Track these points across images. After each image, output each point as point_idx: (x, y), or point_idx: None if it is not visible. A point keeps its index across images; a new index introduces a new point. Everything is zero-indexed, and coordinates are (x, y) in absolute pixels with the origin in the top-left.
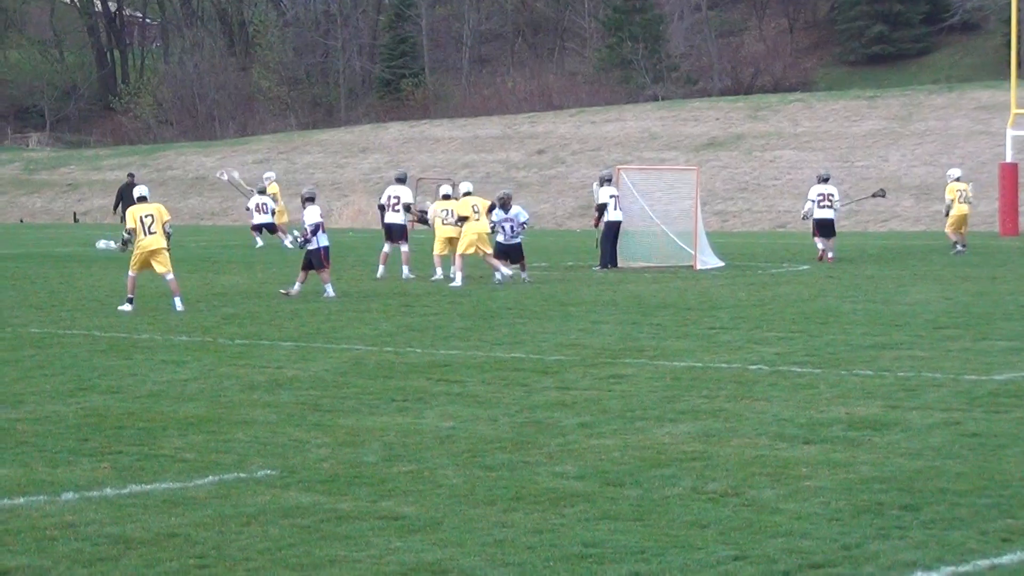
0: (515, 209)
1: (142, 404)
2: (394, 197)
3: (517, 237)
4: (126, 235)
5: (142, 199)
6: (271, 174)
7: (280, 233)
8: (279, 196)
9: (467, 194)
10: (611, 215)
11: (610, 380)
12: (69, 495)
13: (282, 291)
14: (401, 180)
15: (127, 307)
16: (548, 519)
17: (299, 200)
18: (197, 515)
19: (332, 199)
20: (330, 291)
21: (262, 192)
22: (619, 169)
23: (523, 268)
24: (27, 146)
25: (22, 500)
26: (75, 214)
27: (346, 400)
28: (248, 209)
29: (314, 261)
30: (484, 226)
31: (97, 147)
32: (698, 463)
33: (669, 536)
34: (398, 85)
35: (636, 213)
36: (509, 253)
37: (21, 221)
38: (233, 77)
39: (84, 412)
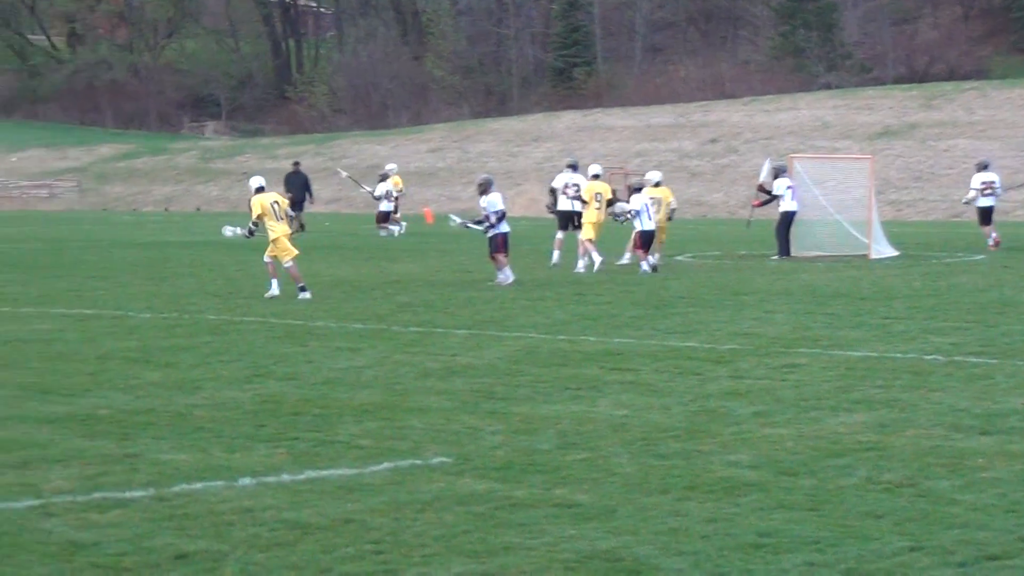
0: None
1: (318, 391)
2: (572, 185)
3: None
4: (253, 225)
5: (260, 189)
6: (392, 166)
7: (389, 225)
8: (400, 187)
9: (595, 177)
10: (787, 205)
11: (784, 369)
12: (246, 480)
13: (491, 283)
14: (574, 168)
15: (274, 291)
16: (722, 508)
17: (474, 188)
18: (372, 501)
19: (505, 188)
20: (505, 276)
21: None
22: (792, 158)
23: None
24: (203, 135)
25: (200, 485)
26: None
27: (520, 388)
28: (378, 198)
29: (491, 246)
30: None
31: (272, 136)
32: (873, 453)
33: (844, 526)
34: (571, 74)
35: (810, 202)
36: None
37: (198, 209)
38: (406, 66)
39: (260, 398)
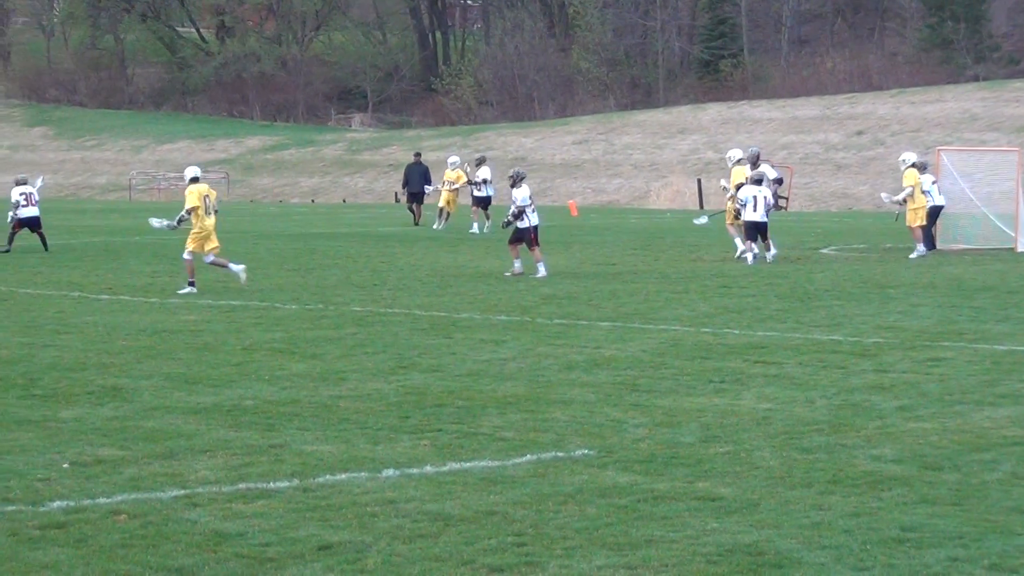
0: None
1: (462, 383)
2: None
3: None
4: (186, 214)
5: (195, 180)
6: (455, 159)
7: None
8: (462, 180)
9: (740, 161)
10: (934, 199)
11: (928, 363)
12: (390, 472)
13: (506, 274)
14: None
15: (190, 289)
16: (865, 502)
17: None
18: (515, 493)
19: (651, 180)
20: (542, 270)
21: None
22: (939, 151)
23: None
24: (350, 127)
25: (344, 476)
26: (396, 194)
27: (663, 381)
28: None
29: (525, 239)
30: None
31: (418, 128)
32: (1018, 448)
33: (988, 521)
34: (717, 66)
35: (957, 195)
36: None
37: (344, 201)
38: (553, 58)
39: (405, 390)
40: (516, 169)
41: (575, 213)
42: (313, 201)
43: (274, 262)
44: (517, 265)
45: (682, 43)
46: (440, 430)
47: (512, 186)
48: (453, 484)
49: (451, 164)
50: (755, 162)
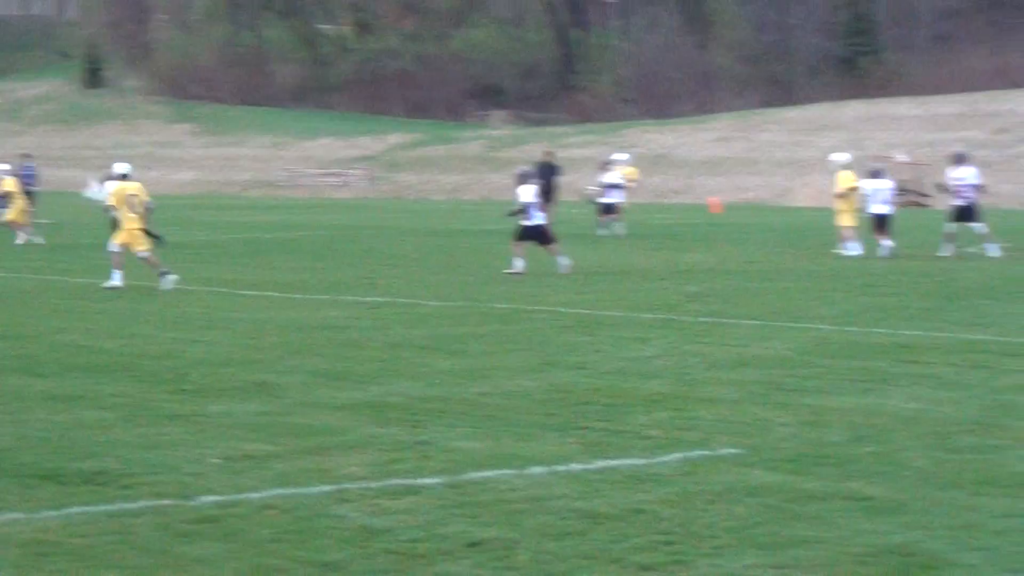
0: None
1: (607, 380)
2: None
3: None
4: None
5: (124, 176)
6: (624, 155)
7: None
8: (631, 177)
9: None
10: None
11: None
12: (537, 469)
13: (506, 271)
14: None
15: (116, 282)
16: (1017, 504)
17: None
18: (662, 492)
19: (790, 177)
20: (564, 261)
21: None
22: None
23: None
24: (490, 124)
25: (491, 473)
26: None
27: (809, 380)
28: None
29: (537, 237)
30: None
31: (558, 125)
32: None
33: None
34: (856, 63)
35: None
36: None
37: (485, 198)
38: (691, 55)
39: (550, 387)
40: (523, 168)
41: (717, 210)
42: (455, 198)
43: (418, 259)
44: (518, 264)
45: (821, 40)
46: (586, 427)
47: (518, 184)
48: (600, 482)
49: (620, 161)
50: (960, 162)
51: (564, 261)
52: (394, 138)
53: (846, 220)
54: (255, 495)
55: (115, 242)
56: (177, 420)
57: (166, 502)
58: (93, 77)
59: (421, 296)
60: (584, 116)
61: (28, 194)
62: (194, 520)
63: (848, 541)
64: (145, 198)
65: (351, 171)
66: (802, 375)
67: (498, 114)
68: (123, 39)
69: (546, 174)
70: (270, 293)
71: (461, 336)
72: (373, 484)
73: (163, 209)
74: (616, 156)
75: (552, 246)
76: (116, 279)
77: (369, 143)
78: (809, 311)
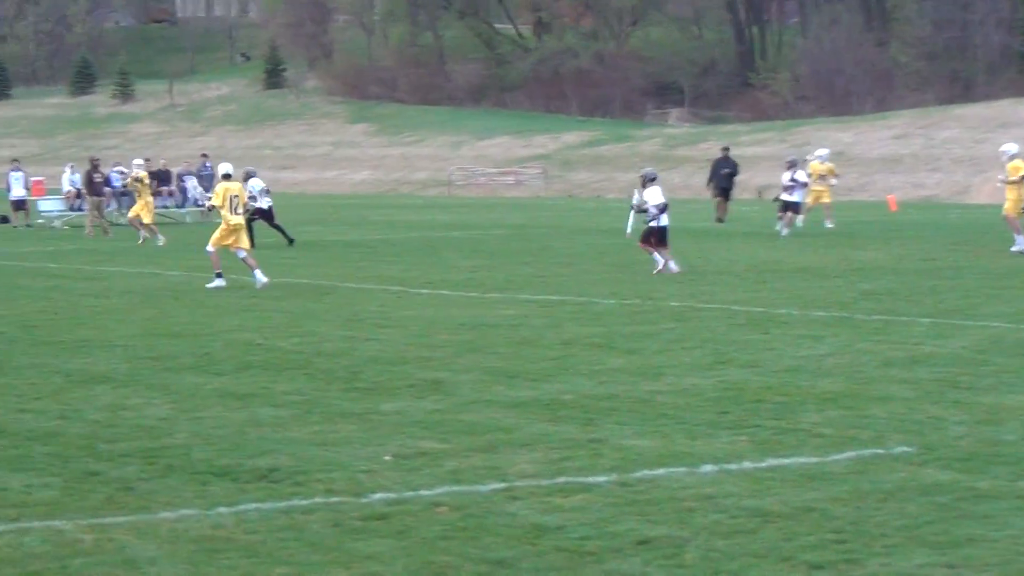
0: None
1: (779, 378)
2: None
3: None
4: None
5: (227, 176)
6: (824, 151)
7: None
8: (830, 173)
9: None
10: None
11: None
12: (708, 467)
13: (654, 272)
14: None
15: (217, 283)
16: None
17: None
18: (834, 490)
19: (969, 175)
20: (668, 265)
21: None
22: None
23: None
24: (667, 122)
25: (662, 471)
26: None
27: (985, 378)
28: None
29: (655, 238)
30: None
31: (735, 123)
32: None
33: None
34: None
35: None
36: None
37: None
38: (870, 52)
39: (722, 385)
40: (648, 169)
41: (894, 208)
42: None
43: (592, 257)
44: (659, 259)
45: (1002, 36)
46: (758, 426)
47: (643, 186)
48: (771, 480)
49: (819, 157)
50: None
51: (673, 266)
52: (570, 137)
53: (1013, 209)
54: (426, 492)
55: (212, 243)
56: (350, 418)
57: (338, 499)
58: (273, 78)
59: (595, 294)
60: (761, 114)
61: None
62: (365, 517)
63: (1021, 540)
64: (244, 198)
65: (525, 170)
66: (977, 373)
67: (675, 112)
68: (303, 40)
69: (724, 171)
70: (444, 291)
71: (634, 334)
72: (544, 482)
73: (339, 208)
74: (819, 152)
75: (664, 250)
76: (218, 281)
77: (545, 142)
78: (985, 309)
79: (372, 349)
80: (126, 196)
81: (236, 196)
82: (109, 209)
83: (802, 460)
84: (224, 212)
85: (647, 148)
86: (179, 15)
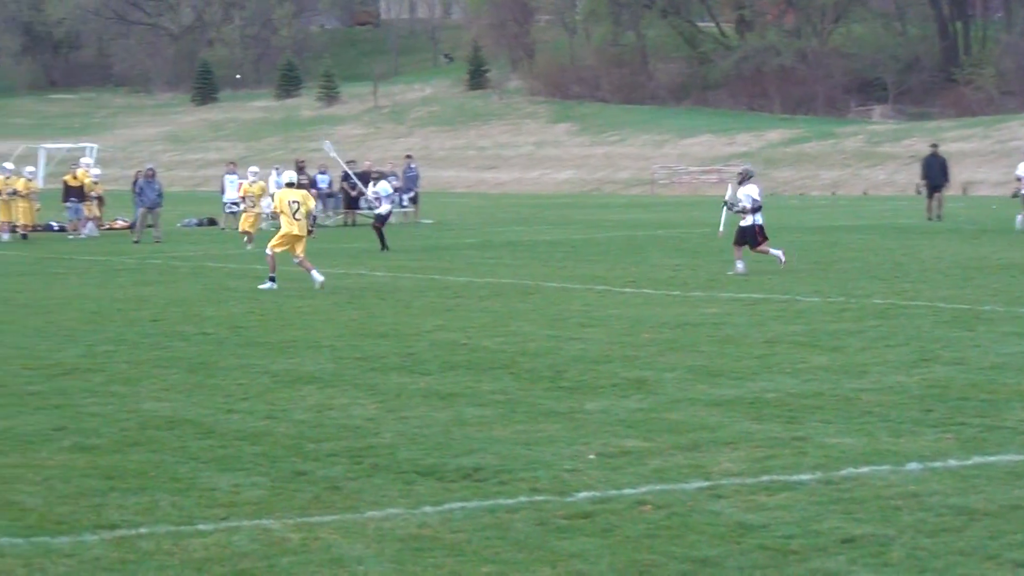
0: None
1: (985, 376)
2: None
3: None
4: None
5: (290, 184)
6: None
7: None
8: None
9: None
10: None
11: None
12: (913, 465)
13: (729, 273)
14: None
15: (269, 284)
16: None
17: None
18: None
19: None
20: (739, 266)
21: None
22: None
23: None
24: (870, 119)
25: (867, 469)
26: (917, 186)
27: None
28: None
29: (748, 238)
30: None
31: (939, 119)
32: None
33: None
34: None
35: None
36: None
37: (865, 193)
38: None
39: (927, 383)
40: (746, 167)
41: None
42: (834, 193)
43: (795, 255)
44: (740, 266)
45: None
46: (963, 423)
47: (740, 183)
48: (977, 478)
49: None
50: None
51: (739, 267)
52: (773, 134)
53: None
54: (631, 491)
55: (272, 246)
56: (554, 416)
57: (543, 498)
58: (476, 79)
59: (798, 292)
60: (964, 110)
61: (415, 195)
62: (570, 515)
63: None
64: (310, 206)
65: (728, 168)
66: None
67: (878, 109)
68: (506, 40)
69: (933, 167)
70: (647, 290)
71: (838, 332)
72: (748, 480)
73: (542, 208)
74: None
75: (750, 248)
76: (270, 284)
77: (748, 140)
78: None
79: (576, 348)
80: (332, 198)
81: (297, 202)
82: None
83: (1008, 458)
84: (284, 218)
85: (850, 145)
86: (383, 17)
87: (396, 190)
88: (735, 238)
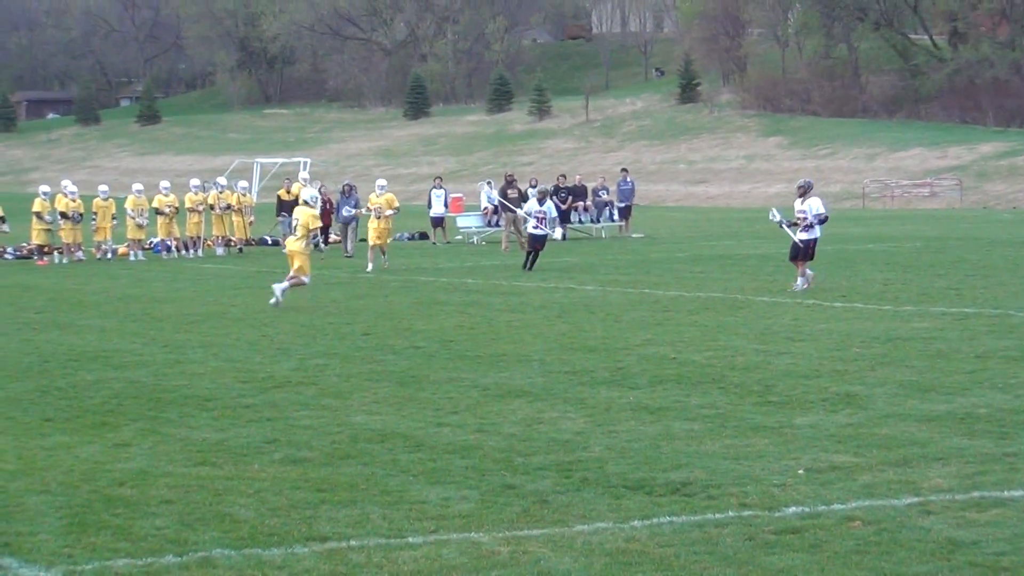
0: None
1: None
2: None
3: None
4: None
5: (304, 203)
6: None
7: None
8: None
9: None
10: None
11: None
12: None
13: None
14: None
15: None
16: None
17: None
18: None
19: None
20: (802, 282)
21: None
22: None
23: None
24: None
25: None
26: None
27: None
28: None
29: (800, 252)
30: None
31: None
32: None
33: None
34: None
35: None
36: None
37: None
38: None
39: None
40: (806, 180)
41: None
42: None
43: (1008, 269)
44: (800, 282)
45: None
46: None
47: (800, 196)
48: None
49: None
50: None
51: (800, 282)
52: (986, 147)
53: None
54: (839, 506)
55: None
56: (763, 431)
57: (751, 513)
58: (687, 92)
59: (1011, 306)
60: None
61: (627, 208)
62: (779, 531)
63: None
64: (309, 225)
65: (940, 181)
66: None
67: None
68: (718, 54)
69: None
70: (857, 304)
71: None
72: (959, 496)
73: (752, 222)
74: None
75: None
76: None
77: (960, 153)
78: None
79: (785, 362)
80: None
81: (297, 219)
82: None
83: None
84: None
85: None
86: (595, 31)
87: (607, 204)
88: (792, 253)
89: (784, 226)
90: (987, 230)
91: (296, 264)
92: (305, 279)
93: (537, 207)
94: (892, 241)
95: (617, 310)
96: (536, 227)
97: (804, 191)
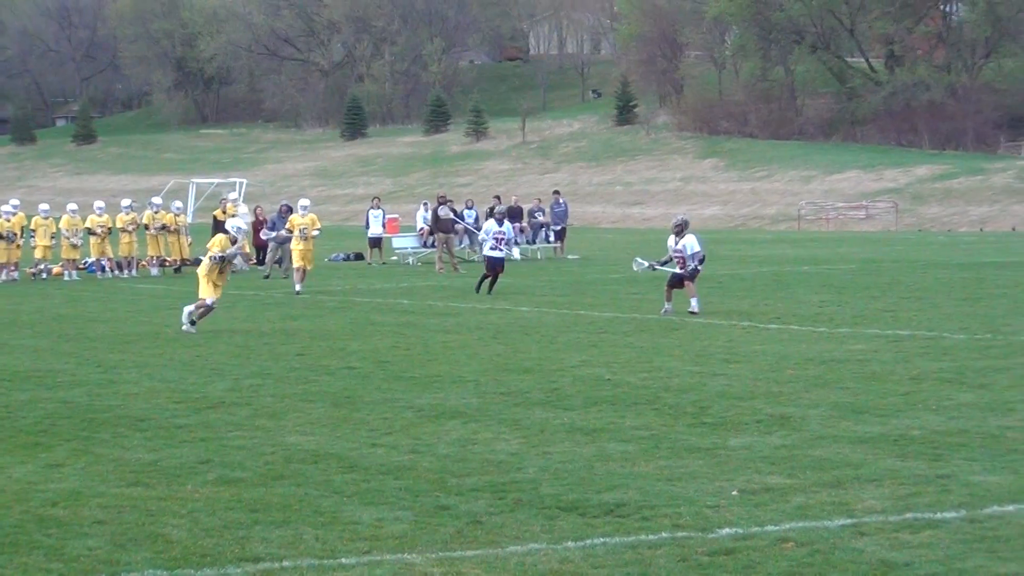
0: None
1: None
2: None
3: None
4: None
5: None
6: None
7: None
8: None
9: None
10: None
11: None
12: None
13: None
14: None
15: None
16: None
17: None
18: None
19: None
20: (695, 305)
21: None
22: None
23: None
24: (1019, 154)
25: (1012, 507)
26: None
27: None
28: None
29: (682, 277)
30: None
31: None
32: None
33: None
34: None
35: None
36: None
37: (1013, 229)
38: None
39: None
40: (682, 217)
41: None
42: (982, 230)
43: (942, 291)
44: (668, 307)
45: None
46: None
47: (676, 234)
48: None
49: None
50: None
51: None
52: (921, 170)
53: None
54: (772, 528)
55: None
56: (697, 453)
57: (685, 534)
58: (624, 114)
59: (945, 329)
60: None
61: (562, 230)
62: (712, 552)
63: None
64: (220, 246)
65: (875, 204)
66: None
67: None
68: (655, 76)
69: None
70: (792, 326)
71: (984, 369)
72: (892, 518)
73: None
74: None
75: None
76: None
77: (896, 175)
78: None
79: (720, 384)
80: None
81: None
82: (460, 247)
83: None
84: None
85: (999, 181)
86: (532, 53)
87: (543, 226)
88: (672, 280)
89: (656, 267)
90: (922, 252)
91: (199, 287)
92: (209, 301)
93: (496, 228)
94: (827, 263)
95: (552, 331)
96: (494, 247)
97: (680, 229)
